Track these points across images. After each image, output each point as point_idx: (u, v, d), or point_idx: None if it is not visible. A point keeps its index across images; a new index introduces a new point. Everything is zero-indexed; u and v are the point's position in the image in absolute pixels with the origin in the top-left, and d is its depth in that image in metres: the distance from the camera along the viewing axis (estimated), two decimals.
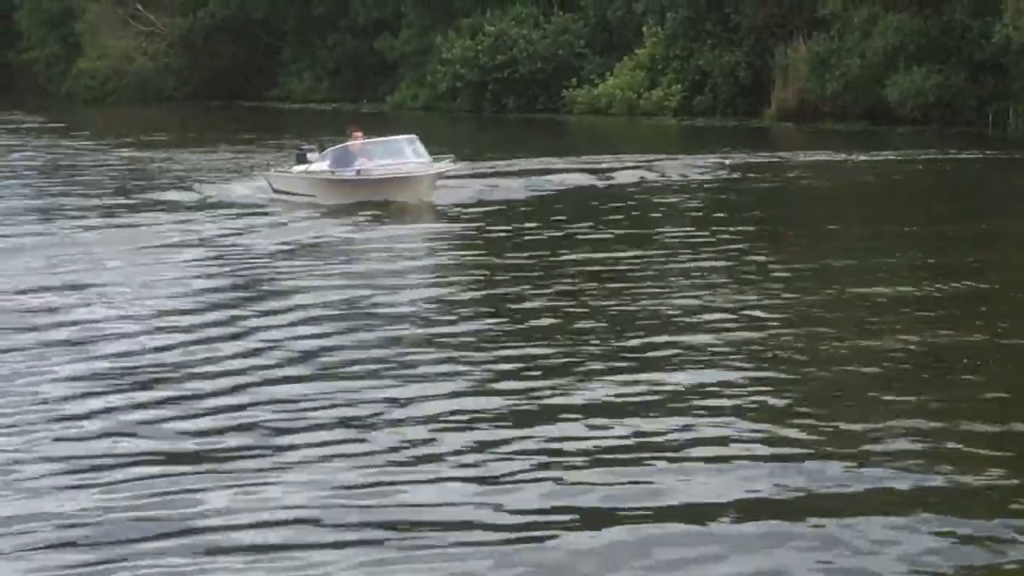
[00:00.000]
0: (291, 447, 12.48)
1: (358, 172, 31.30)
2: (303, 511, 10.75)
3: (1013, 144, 44.00)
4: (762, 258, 22.66)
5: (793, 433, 12.54)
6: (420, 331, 17.57)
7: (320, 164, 33.01)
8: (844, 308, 18.47)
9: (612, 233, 26.29)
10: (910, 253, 23.51)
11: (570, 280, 21.09)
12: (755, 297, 19.03)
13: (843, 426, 12.73)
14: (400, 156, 32.09)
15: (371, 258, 24.36)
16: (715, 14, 60.82)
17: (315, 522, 10.54)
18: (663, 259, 22.83)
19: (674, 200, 32.12)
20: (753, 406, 13.46)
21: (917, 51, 51.21)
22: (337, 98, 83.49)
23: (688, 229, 26.71)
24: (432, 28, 75.27)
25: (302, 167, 33.63)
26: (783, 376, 14.63)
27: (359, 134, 33.00)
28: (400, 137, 33.50)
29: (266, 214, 31.31)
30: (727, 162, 39.82)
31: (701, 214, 29.63)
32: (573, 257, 23.34)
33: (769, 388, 14.10)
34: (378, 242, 26.44)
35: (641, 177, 36.54)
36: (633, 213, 29.62)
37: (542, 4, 70.94)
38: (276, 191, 33.94)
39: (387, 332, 17.41)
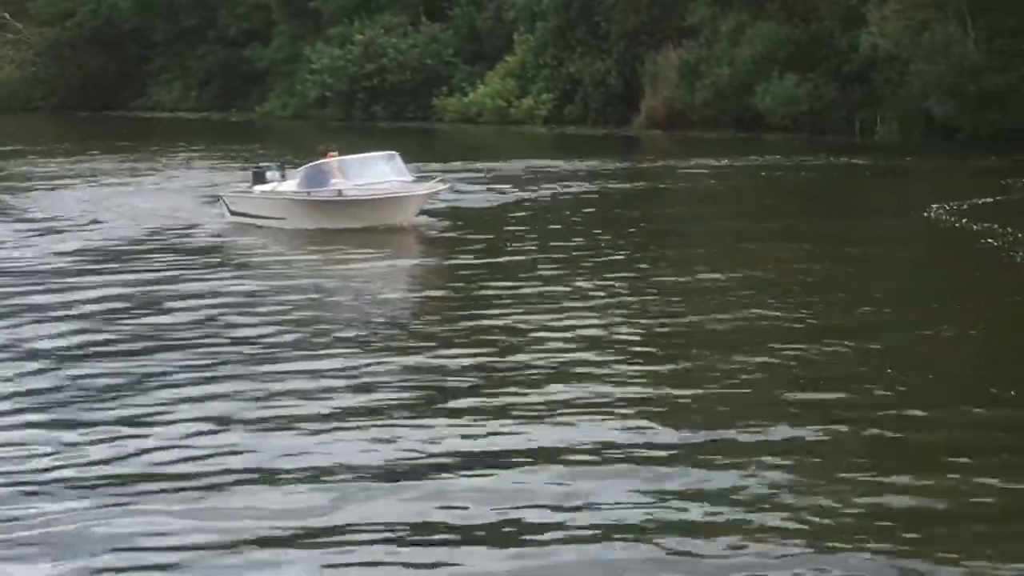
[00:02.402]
0: None
1: (340, 193, 27.64)
2: None
3: (880, 150, 44.16)
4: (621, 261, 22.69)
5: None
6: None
7: (288, 184, 29.48)
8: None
9: (475, 247, 25.76)
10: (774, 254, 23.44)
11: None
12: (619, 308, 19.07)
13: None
14: (379, 175, 28.48)
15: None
16: (584, 22, 60.39)
17: None
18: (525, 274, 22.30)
19: (539, 210, 31.70)
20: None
21: (786, 60, 51.24)
22: (206, 107, 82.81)
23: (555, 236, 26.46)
24: (302, 37, 74.52)
25: (267, 187, 29.91)
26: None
27: (334, 153, 29.08)
28: (378, 154, 29.70)
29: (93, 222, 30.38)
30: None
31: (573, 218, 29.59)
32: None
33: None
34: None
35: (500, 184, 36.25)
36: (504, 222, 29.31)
37: (411, 13, 70.38)
38: (234, 213, 30.02)
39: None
